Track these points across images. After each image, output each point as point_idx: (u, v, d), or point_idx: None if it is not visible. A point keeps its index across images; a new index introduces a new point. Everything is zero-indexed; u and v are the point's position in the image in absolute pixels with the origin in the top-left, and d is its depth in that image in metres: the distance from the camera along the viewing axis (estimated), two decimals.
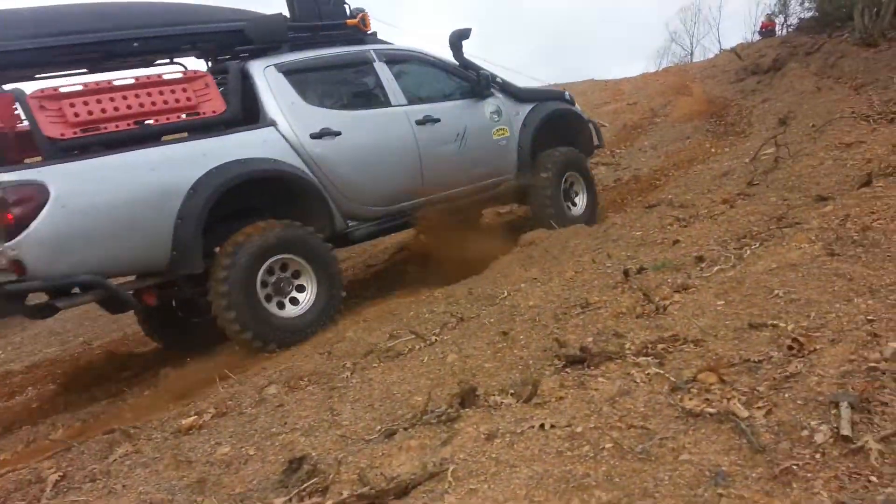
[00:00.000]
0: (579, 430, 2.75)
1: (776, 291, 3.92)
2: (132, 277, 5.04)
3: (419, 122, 6.15)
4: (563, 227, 6.74)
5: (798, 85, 12.56)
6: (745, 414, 2.55)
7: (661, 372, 3.24)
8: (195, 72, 5.40)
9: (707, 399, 2.81)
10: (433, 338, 4.77)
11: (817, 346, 3.06)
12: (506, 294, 5.51)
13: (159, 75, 5.17)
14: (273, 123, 5.42)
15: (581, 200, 7.46)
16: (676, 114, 14.65)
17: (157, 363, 6.04)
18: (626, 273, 5.07)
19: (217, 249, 5.15)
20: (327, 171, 5.57)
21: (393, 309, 5.89)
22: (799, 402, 2.56)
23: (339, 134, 5.62)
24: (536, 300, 5.13)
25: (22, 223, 4.16)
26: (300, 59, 5.81)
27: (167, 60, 5.87)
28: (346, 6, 6.29)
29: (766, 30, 22.98)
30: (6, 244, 4.21)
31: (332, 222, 5.67)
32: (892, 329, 3.01)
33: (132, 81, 5.03)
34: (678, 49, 38.32)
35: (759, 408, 2.60)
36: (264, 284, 5.23)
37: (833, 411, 2.41)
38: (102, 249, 4.56)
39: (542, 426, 2.84)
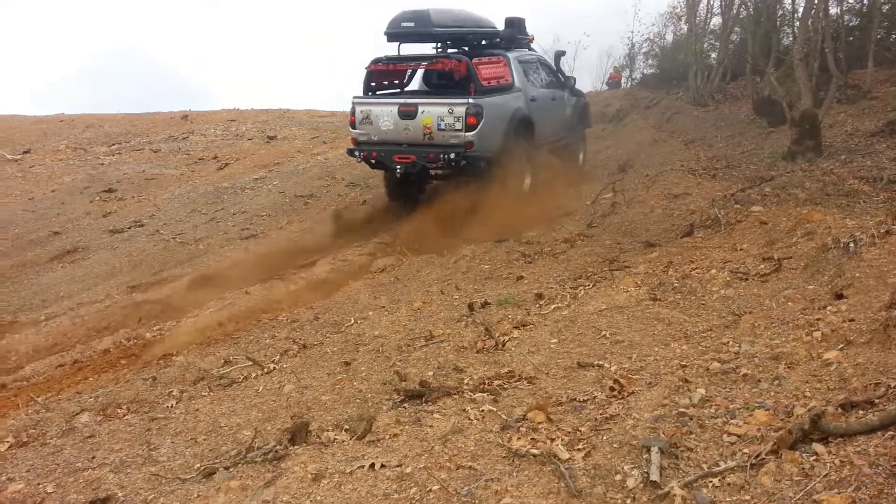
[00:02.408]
0: (409, 470, 2.72)
1: (604, 332, 4.16)
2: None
3: (552, 99, 10.37)
4: (579, 168, 11.35)
5: (637, 135, 13.64)
6: (566, 456, 2.65)
7: (495, 409, 3.31)
8: (501, 56, 9.28)
9: (534, 439, 2.89)
10: (271, 366, 4.57)
11: (636, 389, 3.26)
12: (352, 322, 5.43)
13: (497, 57, 9.24)
14: (520, 90, 9.30)
15: (582, 156, 11.82)
16: None
17: None
18: (470, 307, 5.18)
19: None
20: (534, 118, 9.36)
21: (231, 331, 5.60)
22: (615, 444, 2.70)
23: (535, 100, 9.61)
24: (382, 330, 5.09)
25: (475, 124, 8.09)
26: (521, 55, 9.93)
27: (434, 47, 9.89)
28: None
29: (614, 81, 24.79)
30: (467, 134, 8.07)
31: (535, 144, 9.44)
32: (700, 375, 3.28)
33: (488, 59, 9.03)
34: None
35: (579, 449, 2.71)
36: None
37: (645, 455, 2.56)
38: (490, 141, 8.36)
39: (372, 466, 2.78)
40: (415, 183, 9.66)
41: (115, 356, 5.71)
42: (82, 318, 6.87)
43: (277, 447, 3.05)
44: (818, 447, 2.37)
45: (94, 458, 3.43)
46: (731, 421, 2.74)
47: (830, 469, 2.25)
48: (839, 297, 3.89)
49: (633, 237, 6.59)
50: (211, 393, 4.24)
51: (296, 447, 3.10)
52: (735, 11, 16.11)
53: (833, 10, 13.44)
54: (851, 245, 4.32)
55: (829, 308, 3.75)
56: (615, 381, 3.36)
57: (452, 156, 8.14)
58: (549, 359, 3.93)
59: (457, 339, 4.51)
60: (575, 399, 3.30)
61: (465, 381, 3.74)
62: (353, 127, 8.86)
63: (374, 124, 8.64)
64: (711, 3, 17.19)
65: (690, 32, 17.01)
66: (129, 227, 10.45)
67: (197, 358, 4.98)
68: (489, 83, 8.64)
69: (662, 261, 5.41)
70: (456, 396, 3.53)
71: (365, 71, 9.09)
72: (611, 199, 8.44)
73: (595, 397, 3.28)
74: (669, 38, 21.66)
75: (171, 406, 4.11)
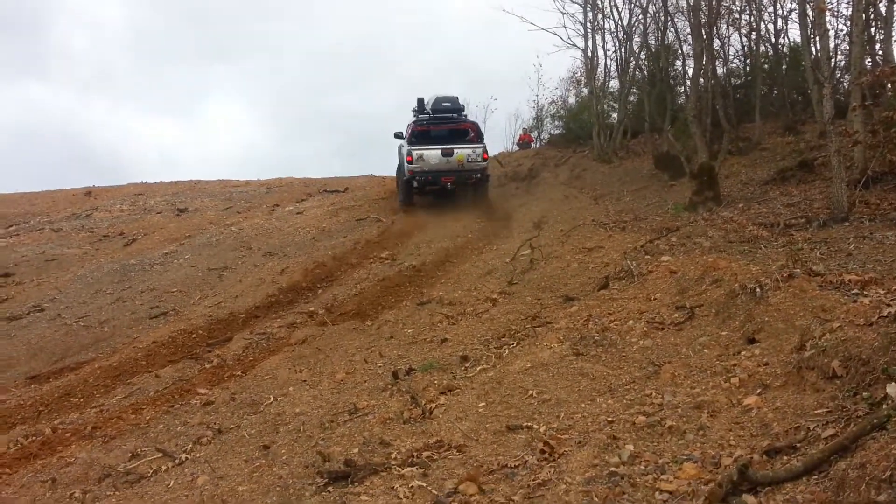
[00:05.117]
0: None
1: (531, 391, 4.12)
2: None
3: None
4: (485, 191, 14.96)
5: (549, 193, 14.08)
6: None
7: (425, 484, 3.17)
8: (473, 122, 15.13)
9: None
10: (183, 456, 4.25)
11: (566, 450, 3.20)
12: (272, 400, 5.17)
13: (474, 125, 15.04)
14: (478, 143, 14.68)
15: (488, 186, 15.52)
16: None
17: None
18: (395, 375, 5.04)
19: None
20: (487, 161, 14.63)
21: (139, 421, 5.22)
22: None
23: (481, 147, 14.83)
24: (304, 406, 4.86)
25: (486, 158, 14.31)
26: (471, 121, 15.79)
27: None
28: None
29: (524, 141, 25.63)
30: (483, 163, 14.12)
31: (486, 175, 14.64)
32: (627, 430, 3.26)
33: (471, 124, 15.19)
34: None
35: None
36: None
37: None
38: (489, 169, 14.77)
39: None
40: (421, 194, 14.69)
41: (10, 457, 5.19)
42: None
43: None
44: (748, 498, 2.37)
45: None
46: (662, 477, 2.71)
47: None
48: (751, 341, 4.01)
49: (552, 292, 6.66)
50: (117, 492, 3.90)
51: None
52: (631, 74, 17.15)
53: (720, 70, 14.53)
54: (758, 290, 4.49)
55: (743, 353, 3.85)
56: (545, 442, 3.30)
57: (479, 176, 13.92)
58: (478, 424, 3.84)
59: (382, 411, 4.35)
60: (506, 465, 3.21)
61: (393, 456, 3.59)
62: (410, 163, 13.84)
63: (425, 160, 13.82)
64: (609, 67, 18.25)
65: (591, 95, 17.90)
66: (29, 313, 9.78)
67: (101, 453, 4.58)
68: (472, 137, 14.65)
69: (582, 314, 5.47)
70: (384, 474, 3.37)
71: (411, 129, 14.74)
72: (529, 255, 8.56)
73: (526, 461, 3.20)
74: (572, 100, 22.71)
75: None
